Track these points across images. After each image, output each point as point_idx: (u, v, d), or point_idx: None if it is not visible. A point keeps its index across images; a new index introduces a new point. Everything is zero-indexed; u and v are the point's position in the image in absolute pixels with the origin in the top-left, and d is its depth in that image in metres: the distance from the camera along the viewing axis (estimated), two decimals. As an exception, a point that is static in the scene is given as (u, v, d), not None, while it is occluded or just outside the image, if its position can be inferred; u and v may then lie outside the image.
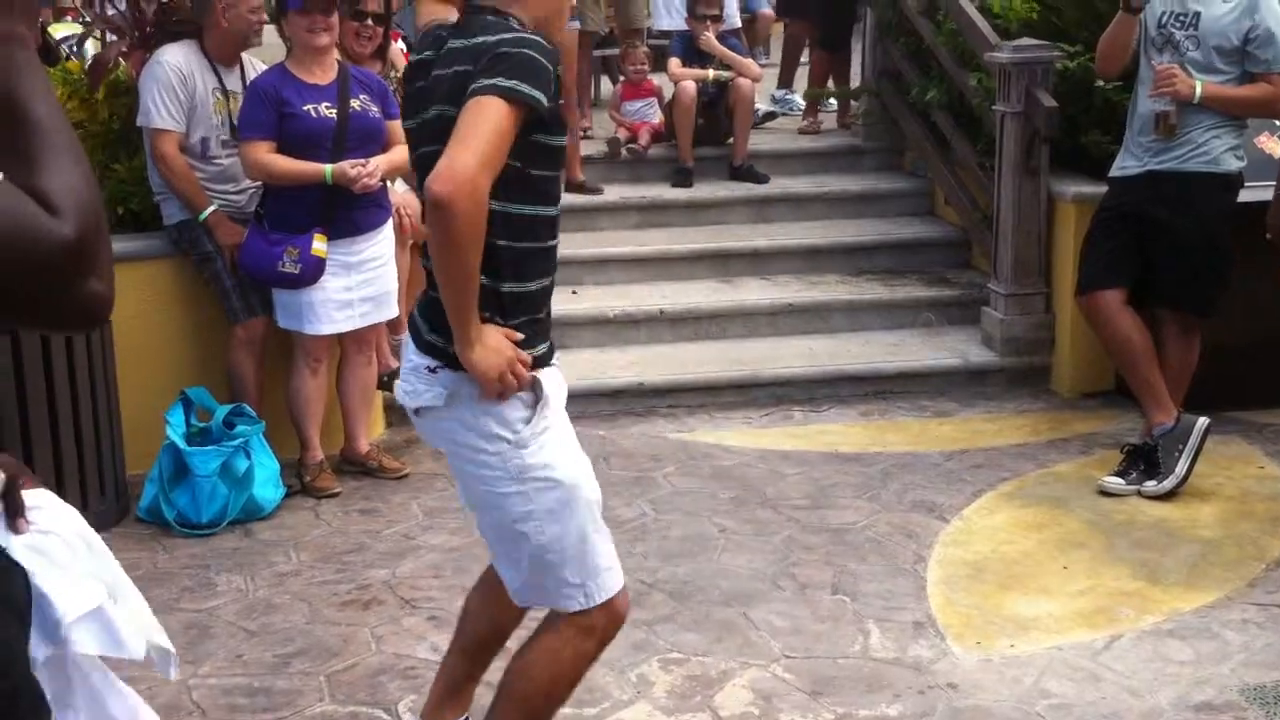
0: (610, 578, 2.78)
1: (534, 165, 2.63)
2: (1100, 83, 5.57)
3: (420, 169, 2.68)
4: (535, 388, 2.68)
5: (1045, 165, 5.88)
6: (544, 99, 2.52)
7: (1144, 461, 4.84)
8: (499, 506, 2.72)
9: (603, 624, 2.79)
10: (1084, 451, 5.27)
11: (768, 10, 10.85)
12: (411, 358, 2.76)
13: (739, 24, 8.67)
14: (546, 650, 2.79)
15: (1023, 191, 5.90)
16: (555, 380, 2.77)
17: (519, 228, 2.64)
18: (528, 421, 2.67)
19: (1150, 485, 4.78)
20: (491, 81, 2.48)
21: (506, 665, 2.86)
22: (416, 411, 2.78)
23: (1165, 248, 4.84)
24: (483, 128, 2.46)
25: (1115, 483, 4.82)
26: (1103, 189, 5.20)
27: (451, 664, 3.14)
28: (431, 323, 2.70)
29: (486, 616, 3.06)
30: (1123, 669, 3.63)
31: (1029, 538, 4.48)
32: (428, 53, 2.73)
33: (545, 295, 2.76)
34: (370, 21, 5.22)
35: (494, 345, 2.60)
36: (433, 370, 2.70)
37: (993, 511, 4.71)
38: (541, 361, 2.73)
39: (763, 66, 8.93)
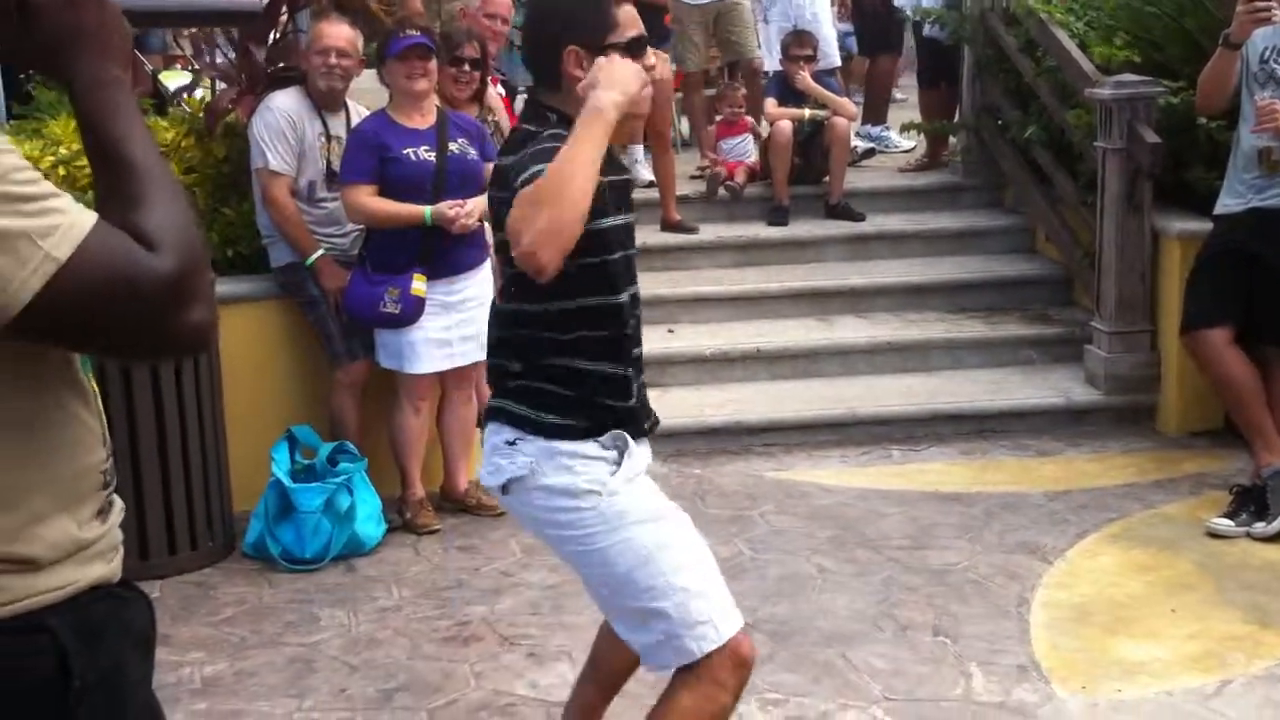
0: (731, 616, 2.70)
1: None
2: (1203, 119, 5.49)
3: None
4: (619, 442, 2.72)
5: (1148, 202, 5.80)
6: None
7: (1254, 503, 4.73)
8: (605, 563, 2.71)
9: (730, 669, 2.69)
10: (1192, 492, 5.16)
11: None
12: (489, 439, 2.80)
13: (837, 63, 8.67)
14: (684, 711, 2.70)
15: (1126, 228, 5.82)
16: (641, 452, 2.78)
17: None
18: (614, 472, 2.69)
19: (1260, 527, 4.66)
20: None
21: None
22: (504, 489, 2.77)
23: (1270, 285, 4.75)
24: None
25: (1224, 524, 4.71)
26: (1208, 225, 5.12)
27: (583, 692, 3.18)
28: (508, 396, 2.74)
29: (621, 646, 2.93)
30: (1234, 715, 3.54)
31: (1136, 580, 4.40)
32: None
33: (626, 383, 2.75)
34: (467, 67, 5.30)
35: (617, 77, 2.53)
36: (512, 443, 2.72)
37: (1098, 553, 4.63)
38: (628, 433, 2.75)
39: (858, 105, 8.91)
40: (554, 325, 2.69)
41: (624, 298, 2.74)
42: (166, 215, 1.45)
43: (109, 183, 1.48)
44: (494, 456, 2.77)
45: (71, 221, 1.38)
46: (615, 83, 2.53)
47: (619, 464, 2.70)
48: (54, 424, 1.51)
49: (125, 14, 1.57)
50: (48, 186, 1.39)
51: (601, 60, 2.58)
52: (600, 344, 2.72)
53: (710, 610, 2.67)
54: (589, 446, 2.70)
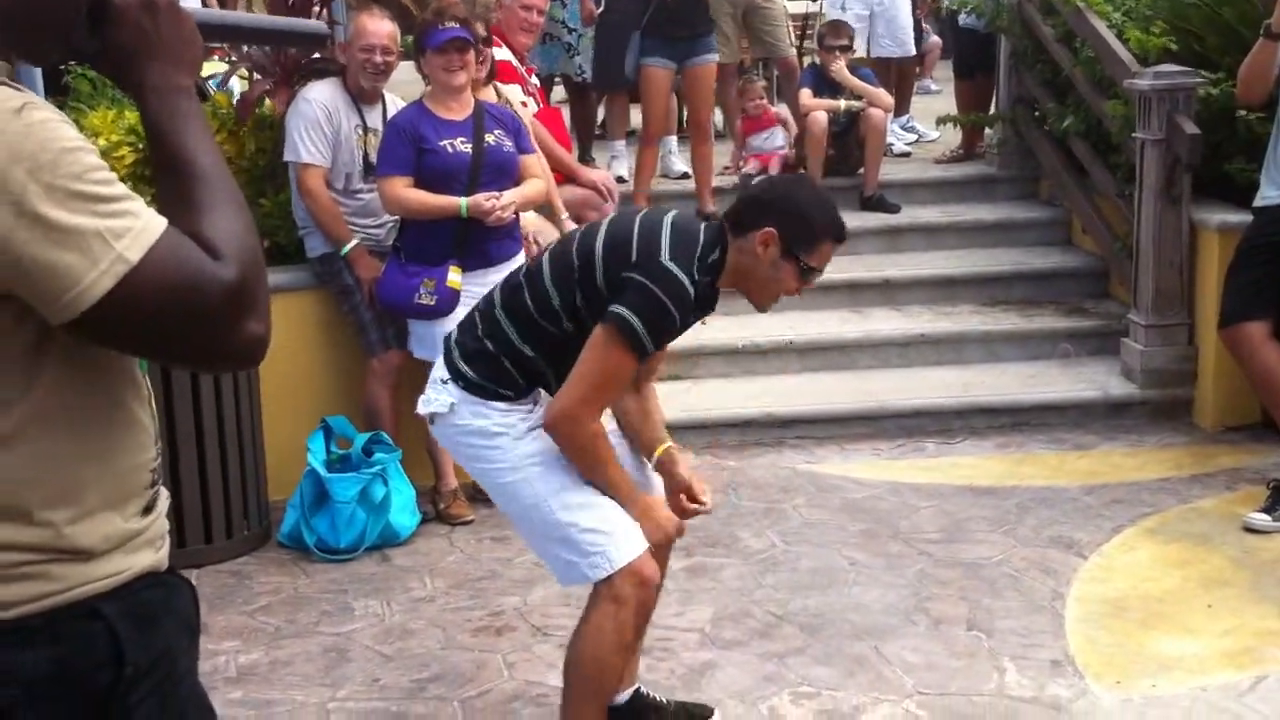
0: (625, 542, 3.02)
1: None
2: (1243, 110, 5.44)
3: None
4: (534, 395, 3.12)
5: (1187, 194, 5.75)
6: (648, 348, 2.95)
7: (1291, 498, 4.70)
8: (509, 497, 3.12)
9: (631, 588, 3.02)
10: (1228, 487, 5.12)
11: (935, 39, 10.83)
12: (434, 371, 3.20)
13: (913, 52, 8.63)
14: (589, 633, 3.09)
15: (1164, 220, 5.78)
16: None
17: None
18: (524, 418, 3.07)
19: (1298, 522, 4.63)
20: (618, 311, 2.93)
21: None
22: (431, 419, 3.18)
23: (1312, 278, 4.70)
24: (595, 366, 2.96)
25: (1261, 519, 4.68)
26: (1247, 218, 5.07)
27: None
28: (461, 350, 3.13)
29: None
30: (1269, 710, 3.51)
31: (1171, 575, 4.37)
32: None
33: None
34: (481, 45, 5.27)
35: (658, 520, 3.11)
36: (445, 382, 3.12)
37: (1133, 548, 4.60)
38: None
39: (930, 94, 8.84)
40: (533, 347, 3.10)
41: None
42: (229, 224, 1.48)
43: (174, 190, 1.50)
44: (429, 388, 3.18)
45: (145, 224, 1.41)
46: (653, 517, 3.09)
47: (531, 412, 3.09)
48: (111, 421, 1.54)
49: (199, 27, 1.59)
50: (122, 188, 1.42)
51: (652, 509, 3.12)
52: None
53: (603, 542, 3.00)
54: (504, 402, 3.07)
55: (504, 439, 3.06)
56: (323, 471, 4.74)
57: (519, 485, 3.07)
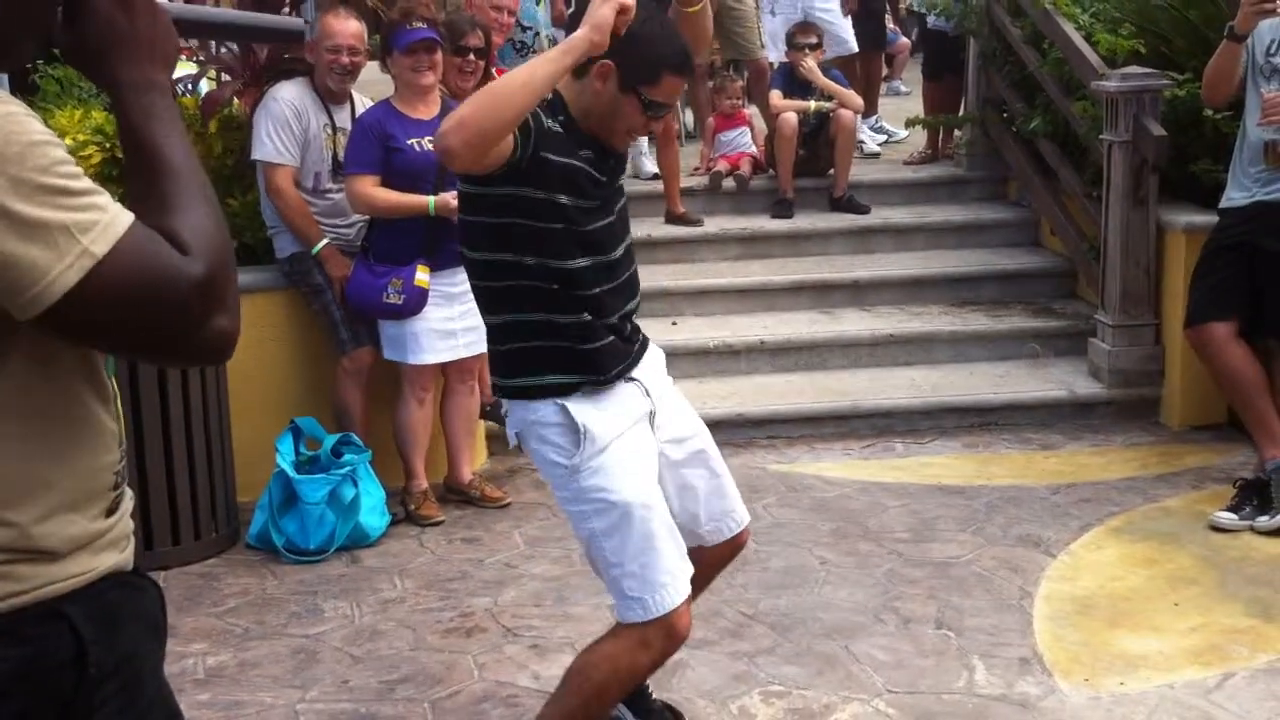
0: (666, 595, 2.92)
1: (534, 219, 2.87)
2: (1210, 111, 5.48)
3: None
4: (566, 417, 2.92)
5: (1154, 195, 5.79)
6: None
7: (1257, 496, 4.73)
8: (573, 522, 3.04)
9: (659, 640, 2.95)
10: (1195, 486, 5.16)
11: (904, 40, 10.83)
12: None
13: (854, 49, 8.62)
14: (606, 655, 2.99)
15: (1131, 221, 5.82)
16: (624, 401, 3.00)
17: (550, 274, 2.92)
18: (578, 449, 2.91)
19: (1263, 520, 4.66)
20: None
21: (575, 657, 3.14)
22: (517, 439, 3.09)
23: (1275, 278, 4.74)
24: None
25: (1227, 518, 4.71)
26: (1213, 218, 5.11)
27: None
28: (498, 370, 3.04)
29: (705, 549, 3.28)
30: (1236, 708, 3.54)
31: (1138, 574, 4.40)
32: None
33: (586, 329, 2.95)
34: (472, 56, 5.29)
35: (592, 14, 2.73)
36: (507, 413, 3.06)
37: (1100, 546, 4.63)
38: (606, 382, 2.98)
39: (900, 96, 8.80)
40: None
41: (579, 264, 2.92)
42: (199, 220, 1.47)
43: (145, 185, 1.49)
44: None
45: (111, 218, 1.40)
46: (589, 18, 2.73)
47: (577, 438, 2.92)
48: (74, 421, 1.52)
49: (174, 22, 1.58)
50: (89, 182, 1.41)
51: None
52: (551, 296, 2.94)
53: (643, 589, 2.91)
54: (550, 411, 2.94)
55: (560, 468, 2.94)
56: (291, 473, 4.72)
57: (576, 515, 2.98)
